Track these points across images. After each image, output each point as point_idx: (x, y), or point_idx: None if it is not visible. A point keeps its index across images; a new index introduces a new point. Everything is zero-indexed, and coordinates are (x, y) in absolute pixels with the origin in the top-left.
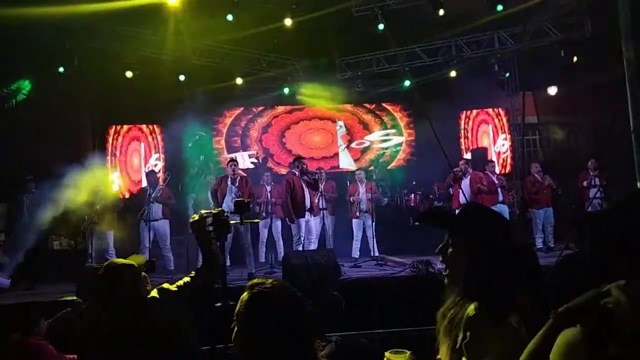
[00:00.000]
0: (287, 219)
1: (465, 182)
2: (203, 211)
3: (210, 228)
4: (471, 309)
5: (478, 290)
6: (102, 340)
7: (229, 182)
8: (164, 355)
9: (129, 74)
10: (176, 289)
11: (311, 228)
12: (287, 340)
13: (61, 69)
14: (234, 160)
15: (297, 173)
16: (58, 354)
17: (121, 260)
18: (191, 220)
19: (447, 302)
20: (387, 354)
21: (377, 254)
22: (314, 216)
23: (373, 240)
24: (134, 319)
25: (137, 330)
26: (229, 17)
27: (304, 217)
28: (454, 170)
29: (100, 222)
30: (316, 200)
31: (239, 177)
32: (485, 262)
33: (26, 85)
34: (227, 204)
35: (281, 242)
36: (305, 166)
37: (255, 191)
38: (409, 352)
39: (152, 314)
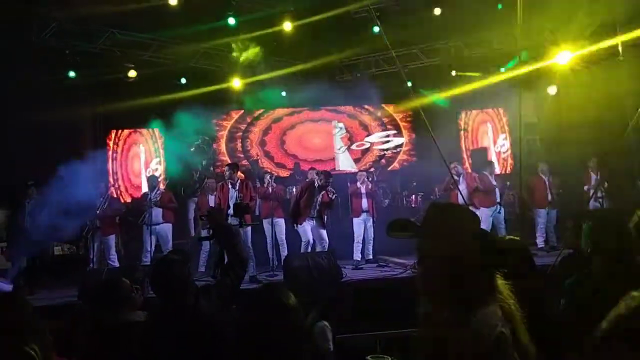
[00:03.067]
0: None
1: (462, 184)
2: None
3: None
4: None
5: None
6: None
7: (229, 187)
8: (209, 348)
9: (132, 73)
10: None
11: (322, 234)
12: (273, 338)
13: (72, 74)
14: (231, 165)
15: (316, 184)
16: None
17: (171, 256)
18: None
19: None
20: (368, 358)
21: (371, 256)
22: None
23: (370, 242)
24: (186, 311)
25: (187, 323)
26: (231, 21)
27: (300, 223)
28: (449, 177)
29: (102, 227)
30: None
31: (239, 181)
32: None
33: None
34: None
35: (285, 245)
36: (328, 183)
37: (258, 192)
38: (389, 358)
39: (202, 306)
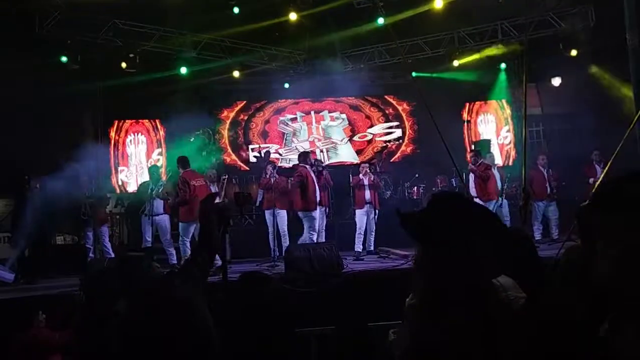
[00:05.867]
0: (300, 212)
1: (470, 176)
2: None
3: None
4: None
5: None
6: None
7: None
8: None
9: (124, 64)
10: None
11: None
12: (257, 332)
13: (64, 59)
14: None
15: (307, 167)
16: (56, 334)
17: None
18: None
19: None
20: (391, 332)
21: (372, 248)
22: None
23: (372, 234)
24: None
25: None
26: (235, 10)
27: (316, 209)
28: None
29: (98, 216)
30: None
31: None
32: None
33: None
34: None
35: (287, 236)
36: (313, 159)
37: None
38: None
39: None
